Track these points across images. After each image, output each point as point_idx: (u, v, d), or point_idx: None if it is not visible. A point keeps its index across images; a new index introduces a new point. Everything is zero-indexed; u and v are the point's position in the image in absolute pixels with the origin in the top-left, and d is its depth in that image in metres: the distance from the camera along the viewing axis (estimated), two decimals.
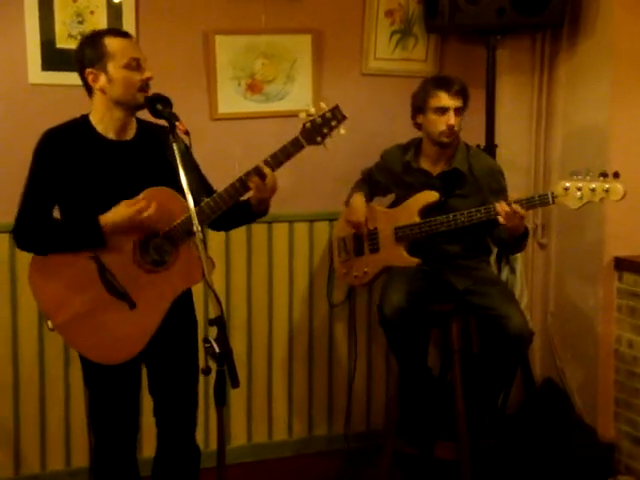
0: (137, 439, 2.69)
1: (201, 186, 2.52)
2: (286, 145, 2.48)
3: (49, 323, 2.50)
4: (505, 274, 3.71)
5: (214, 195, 2.46)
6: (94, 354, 2.49)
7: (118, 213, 2.41)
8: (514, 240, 3.04)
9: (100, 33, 2.49)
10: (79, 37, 3.27)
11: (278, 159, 2.47)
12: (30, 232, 2.49)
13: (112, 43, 2.43)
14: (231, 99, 3.57)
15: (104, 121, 2.49)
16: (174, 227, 2.45)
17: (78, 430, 3.47)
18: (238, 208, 2.55)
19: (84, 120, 2.51)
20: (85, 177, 2.46)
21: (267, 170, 2.46)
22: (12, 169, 3.30)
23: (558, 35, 3.81)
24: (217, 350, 2.06)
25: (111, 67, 2.43)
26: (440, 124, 3.14)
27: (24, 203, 2.49)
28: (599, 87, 3.58)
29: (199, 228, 2.21)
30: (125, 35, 2.49)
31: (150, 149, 2.49)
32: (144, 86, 2.44)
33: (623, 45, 3.49)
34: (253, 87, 3.60)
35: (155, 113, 2.42)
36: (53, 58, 3.30)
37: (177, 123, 2.35)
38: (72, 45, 3.27)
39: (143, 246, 2.49)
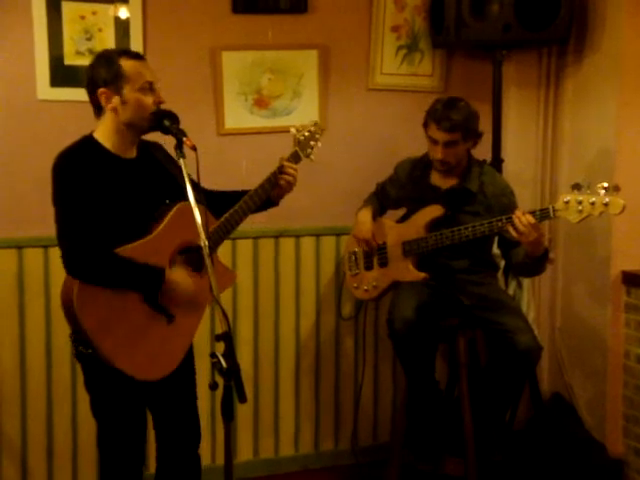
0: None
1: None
2: (288, 156, 2.74)
3: (81, 349, 2.46)
4: (512, 289, 3.71)
5: (245, 197, 2.64)
6: (141, 373, 2.44)
7: (185, 282, 2.49)
8: (533, 260, 2.99)
9: (115, 53, 2.48)
10: (87, 54, 3.32)
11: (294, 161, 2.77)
12: (85, 264, 2.39)
13: (128, 65, 2.43)
14: (238, 114, 3.58)
15: (112, 140, 2.49)
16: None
17: (85, 446, 3.47)
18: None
19: (90, 139, 2.49)
20: (102, 195, 2.43)
21: (293, 167, 2.72)
22: (21, 184, 3.34)
23: (564, 50, 3.82)
24: (224, 365, 2.05)
25: (126, 90, 2.43)
26: (432, 153, 3.16)
27: (68, 227, 2.38)
28: (605, 102, 3.58)
29: (206, 243, 2.20)
30: (139, 57, 2.49)
31: (153, 165, 2.54)
32: (157, 110, 2.45)
33: (629, 60, 3.49)
34: (260, 102, 3.62)
35: (162, 129, 2.43)
36: (62, 74, 3.32)
37: (184, 139, 2.36)
38: (80, 62, 3.32)
39: (174, 259, 2.52)
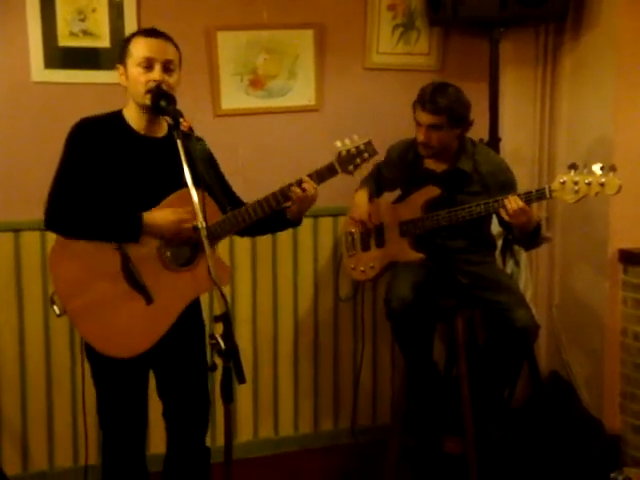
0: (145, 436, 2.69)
1: (223, 193, 2.57)
2: (322, 169, 2.58)
3: (56, 309, 2.47)
4: (510, 267, 3.71)
5: (254, 203, 2.51)
6: (101, 345, 2.47)
7: (163, 217, 2.44)
8: (525, 237, 3.04)
9: (134, 33, 2.54)
10: (81, 35, 3.30)
11: (315, 179, 2.58)
12: (63, 213, 2.46)
13: (135, 41, 2.47)
14: (234, 95, 3.56)
15: (134, 117, 2.51)
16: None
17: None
18: (273, 216, 2.59)
19: (118, 114, 2.54)
20: (113, 168, 2.46)
21: (310, 183, 2.55)
22: (16, 166, 3.33)
23: (562, 27, 3.80)
24: (223, 346, 2.05)
25: (128, 64, 2.47)
26: (417, 135, 3.15)
27: (57, 185, 2.47)
28: (603, 79, 3.57)
29: (204, 225, 2.20)
30: (153, 34, 2.47)
31: (177, 151, 2.44)
32: (152, 88, 2.41)
33: (627, 36, 3.47)
34: (255, 83, 3.60)
35: (158, 109, 2.41)
36: (55, 56, 3.30)
37: (181, 120, 2.35)
38: (74, 43, 3.30)
39: (167, 244, 2.50)
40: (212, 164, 2.65)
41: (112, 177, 2.46)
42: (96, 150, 2.46)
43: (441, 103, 3.05)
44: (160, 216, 2.44)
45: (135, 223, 2.43)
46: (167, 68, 2.45)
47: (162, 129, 2.55)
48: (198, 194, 2.23)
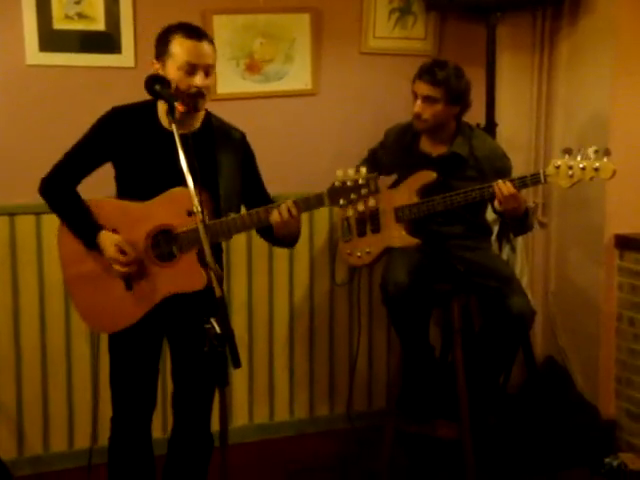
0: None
1: (236, 195, 2.56)
2: (311, 197, 2.45)
3: None
4: (506, 253, 3.71)
5: (236, 215, 2.46)
6: (82, 314, 2.64)
7: (105, 245, 2.50)
8: (515, 222, 3.06)
9: (173, 29, 2.47)
10: (76, 18, 3.28)
11: (299, 207, 2.45)
12: (53, 189, 2.61)
13: (177, 42, 2.43)
14: (230, 79, 3.55)
15: (164, 111, 2.46)
16: (184, 232, 2.44)
17: (81, 411, 3.48)
18: (267, 231, 2.55)
19: (151, 105, 2.53)
20: (131, 161, 2.51)
21: (286, 209, 2.43)
22: (11, 150, 3.31)
23: (559, 12, 3.78)
24: (218, 331, 2.06)
25: (169, 65, 2.44)
26: (413, 108, 3.15)
27: (63, 162, 2.59)
28: (600, 65, 3.55)
29: (199, 209, 2.19)
30: (194, 36, 2.44)
31: (199, 147, 2.44)
32: (192, 93, 2.41)
33: (625, 22, 3.46)
34: (252, 67, 3.58)
35: (153, 94, 2.39)
36: (50, 39, 3.27)
37: (176, 104, 2.34)
38: (69, 26, 3.28)
39: (154, 238, 2.51)
40: (246, 160, 2.61)
41: (129, 170, 2.52)
42: (119, 142, 2.51)
43: (439, 75, 3.06)
44: (108, 243, 2.49)
45: (92, 234, 2.52)
46: (208, 72, 2.45)
47: (193, 125, 2.53)
48: (195, 188, 2.20)
